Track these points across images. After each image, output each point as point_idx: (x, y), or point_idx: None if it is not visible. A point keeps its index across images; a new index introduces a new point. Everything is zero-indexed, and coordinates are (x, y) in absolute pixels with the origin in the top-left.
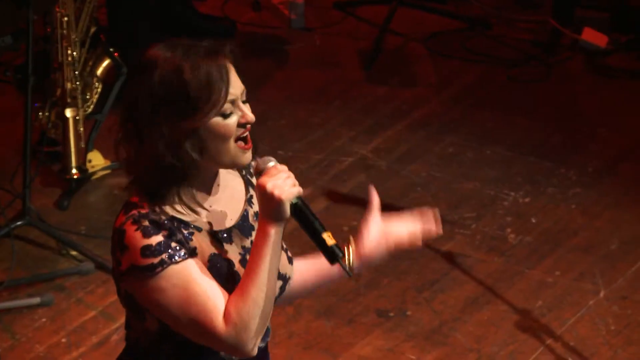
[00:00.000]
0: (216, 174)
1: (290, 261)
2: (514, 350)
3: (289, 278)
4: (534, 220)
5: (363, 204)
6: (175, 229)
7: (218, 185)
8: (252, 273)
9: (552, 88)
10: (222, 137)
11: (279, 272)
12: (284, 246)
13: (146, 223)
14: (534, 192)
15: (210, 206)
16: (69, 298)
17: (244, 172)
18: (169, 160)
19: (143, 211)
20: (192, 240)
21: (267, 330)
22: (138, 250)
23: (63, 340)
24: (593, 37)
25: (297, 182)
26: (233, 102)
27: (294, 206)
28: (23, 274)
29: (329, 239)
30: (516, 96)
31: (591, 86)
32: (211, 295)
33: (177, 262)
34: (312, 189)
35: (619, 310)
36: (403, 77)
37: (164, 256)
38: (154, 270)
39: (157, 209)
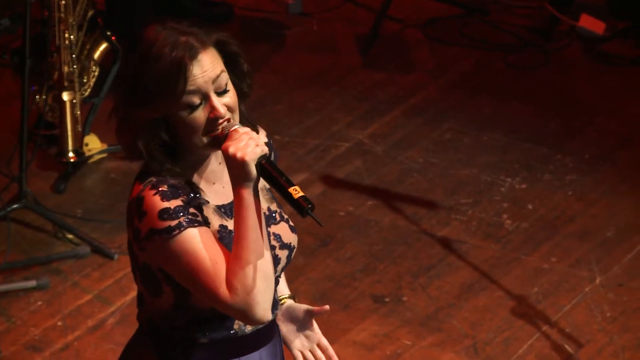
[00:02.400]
0: (207, 156)
1: (292, 230)
2: (509, 336)
3: (294, 247)
4: (530, 207)
5: (359, 189)
6: (192, 197)
7: (220, 163)
8: (239, 238)
9: (550, 75)
10: (189, 130)
11: (284, 242)
12: (285, 216)
13: (164, 187)
14: (531, 179)
15: (214, 183)
16: (65, 281)
17: None
18: (139, 146)
19: (160, 177)
20: (203, 211)
21: (277, 301)
22: (156, 213)
23: (59, 323)
24: (590, 24)
25: (260, 143)
26: (202, 94)
27: (259, 166)
28: (19, 257)
29: (295, 192)
30: (513, 83)
31: (588, 73)
32: (219, 262)
33: (193, 226)
34: (309, 174)
35: (614, 297)
36: (400, 63)
37: (182, 219)
38: (171, 232)
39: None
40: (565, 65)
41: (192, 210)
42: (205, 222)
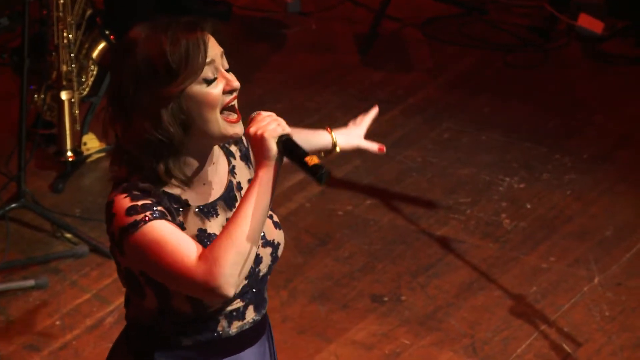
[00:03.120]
0: (210, 150)
1: (277, 226)
2: (508, 335)
3: (279, 244)
4: (529, 206)
5: (358, 189)
6: (164, 200)
7: (213, 163)
8: (235, 213)
9: (549, 74)
10: (207, 105)
11: (267, 239)
12: (269, 212)
13: (135, 191)
14: (529, 178)
15: (204, 184)
16: (64, 281)
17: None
18: (154, 135)
19: (133, 183)
20: (179, 215)
21: (264, 300)
22: (123, 212)
23: (57, 322)
24: (589, 23)
25: (282, 123)
26: (215, 68)
27: (281, 143)
28: (18, 257)
29: (311, 160)
30: (512, 82)
31: (587, 72)
32: (183, 243)
33: (158, 218)
34: None
35: (613, 297)
36: (399, 62)
37: (148, 213)
38: (137, 225)
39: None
40: (564, 65)
41: (159, 208)
42: (178, 225)
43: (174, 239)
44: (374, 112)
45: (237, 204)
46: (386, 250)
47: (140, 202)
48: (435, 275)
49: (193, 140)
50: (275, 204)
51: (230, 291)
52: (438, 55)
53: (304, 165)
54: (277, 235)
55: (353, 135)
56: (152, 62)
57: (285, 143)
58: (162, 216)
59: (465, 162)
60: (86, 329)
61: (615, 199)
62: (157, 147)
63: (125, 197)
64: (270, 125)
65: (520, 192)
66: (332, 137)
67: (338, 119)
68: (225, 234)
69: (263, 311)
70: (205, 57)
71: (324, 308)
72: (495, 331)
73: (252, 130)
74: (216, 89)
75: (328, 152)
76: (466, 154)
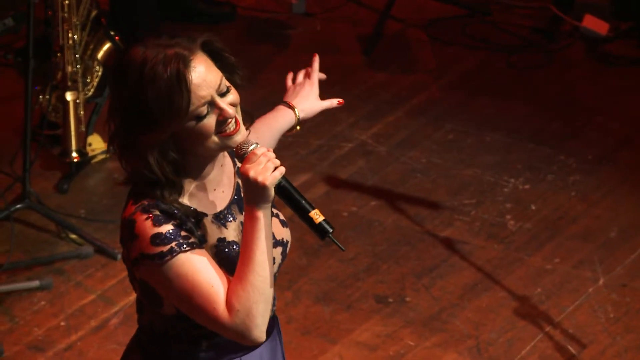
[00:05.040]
0: (213, 160)
1: (284, 224)
2: (512, 337)
3: (287, 242)
4: (533, 207)
5: (362, 190)
6: (185, 218)
7: (222, 165)
8: (247, 258)
9: (552, 75)
10: (200, 137)
11: (276, 239)
12: (275, 211)
13: (157, 212)
14: (534, 179)
15: (214, 189)
16: (68, 281)
17: None
18: (144, 173)
19: (152, 200)
20: (200, 227)
21: (274, 298)
22: (148, 239)
23: (62, 323)
24: (594, 24)
25: (278, 162)
26: (209, 103)
27: (278, 187)
28: (22, 257)
29: (316, 216)
30: (516, 83)
31: (591, 73)
32: (215, 285)
33: (185, 251)
34: (312, 174)
35: (617, 298)
36: (403, 63)
37: (174, 244)
38: (163, 258)
39: (166, 197)
40: (568, 66)
41: (183, 233)
42: (201, 242)
43: (203, 280)
44: (316, 63)
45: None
46: (390, 251)
47: (164, 229)
48: (440, 276)
49: (191, 162)
50: (279, 204)
51: (264, 337)
52: (442, 56)
53: (309, 222)
54: (285, 234)
55: (311, 101)
56: (137, 103)
57: (284, 189)
58: (187, 244)
59: (470, 163)
60: (91, 330)
61: (619, 200)
62: (151, 179)
63: (147, 219)
64: (268, 171)
65: (525, 193)
66: (295, 114)
67: (342, 120)
68: (249, 284)
69: (274, 308)
70: (190, 97)
71: (328, 309)
72: (500, 332)
73: (251, 175)
74: (209, 121)
75: (290, 130)
76: (470, 155)
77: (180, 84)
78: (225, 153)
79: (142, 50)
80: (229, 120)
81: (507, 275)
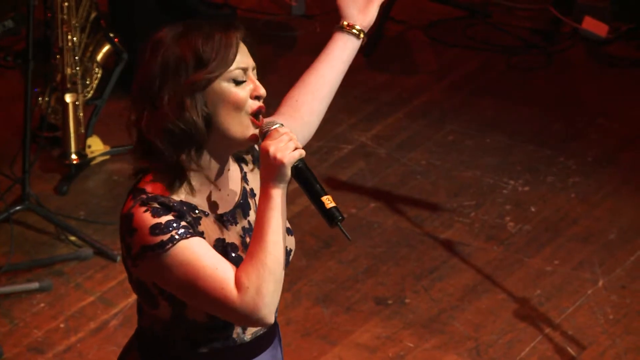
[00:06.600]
0: (229, 154)
1: (289, 232)
2: (512, 338)
3: (291, 250)
4: (533, 209)
5: (362, 191)
6: (184, 212)
7: (228, 169)
8: (259, 237)
9: (553, 76)
10: (233, 104)
11: None
12: None
13: (155, 205)
14: (534, 181)
15: (220, 190)
16: (68, 283)
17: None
18: (177, 124)
19: (151, 194)
20: (199, 224)
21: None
22: (147, 230)
23: (61, 325)
24: (593, 26)
25: (299, 145)
26: (245, 71)
27: (295, 168)
28: (22, 259)
29: (328, 201)
30: (516, 84)
31: (591, 75)
32: (220, 267)
33: (186, 238)
34: None
35: (617, 300)
36: (403, 65)
37: (174, 232)
38: (164, 247)
39: (167, 193)
40: (569, 67)
41: (183, 223)
42: (200, 235)
43: (207, 264)
44: None
45: (250, 212)
46: (390, 253)
47: (163, 219)
48: (440, 278)
49: (213, 139)
50: (291, 197)
51: (272, 319)
52: (442, 57)
53: (320, 205)
54: (289, 242)
55: (360, 3)
56: (182, 54)
57: (301, 172)
58: (187, 232)
59: (470, 164)
60: (90, 331)
61: (619, 201)
62: (178, 137)
63: (146, 211)
64: (288, 150)
65: (525, 194)
66: (356, 29)
67: (342, 122)
68: (259, 263)
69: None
70: (236, 53)
71: (327, 311)
72: (500, 334)
73: (271, 150)
74: (243, 91)
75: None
76: (470, 157)
77: (232, 39)
78: (232, 160)
79: (181, 24)
80: (261, 101)
81: (507, 276)
